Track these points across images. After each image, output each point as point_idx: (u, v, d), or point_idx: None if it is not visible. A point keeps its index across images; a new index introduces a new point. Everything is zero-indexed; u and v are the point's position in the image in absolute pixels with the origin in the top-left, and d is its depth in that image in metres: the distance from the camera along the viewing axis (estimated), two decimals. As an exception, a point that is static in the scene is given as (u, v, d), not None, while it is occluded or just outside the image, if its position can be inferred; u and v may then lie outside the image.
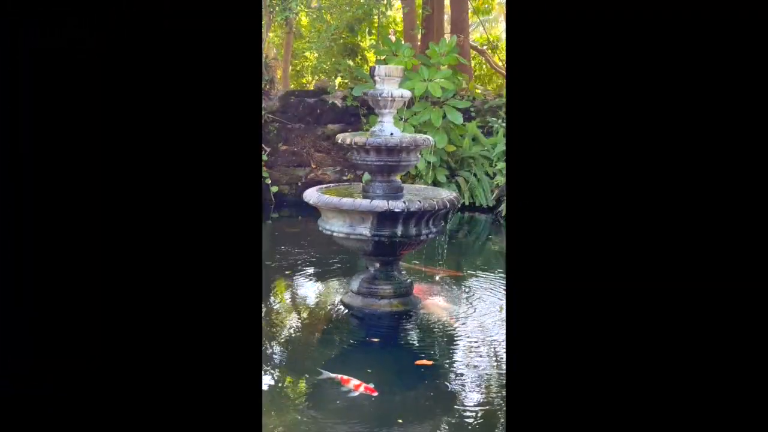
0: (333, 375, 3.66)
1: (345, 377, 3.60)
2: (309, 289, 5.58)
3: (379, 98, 4.57)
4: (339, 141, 4.70)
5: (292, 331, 4.72)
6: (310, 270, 6.02)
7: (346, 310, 4.82)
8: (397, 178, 4.80)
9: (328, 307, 5.08)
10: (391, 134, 4.57)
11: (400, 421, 3.37)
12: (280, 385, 3.87)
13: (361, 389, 3.47)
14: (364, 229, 4.45)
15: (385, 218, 4.38)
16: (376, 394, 3.44)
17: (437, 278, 5.76)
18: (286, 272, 5.95)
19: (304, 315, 5.03)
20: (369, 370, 3.92)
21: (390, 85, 4.59)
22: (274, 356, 4.19)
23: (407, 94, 4.68)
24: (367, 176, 5.17)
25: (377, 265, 4.75)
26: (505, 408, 3.62)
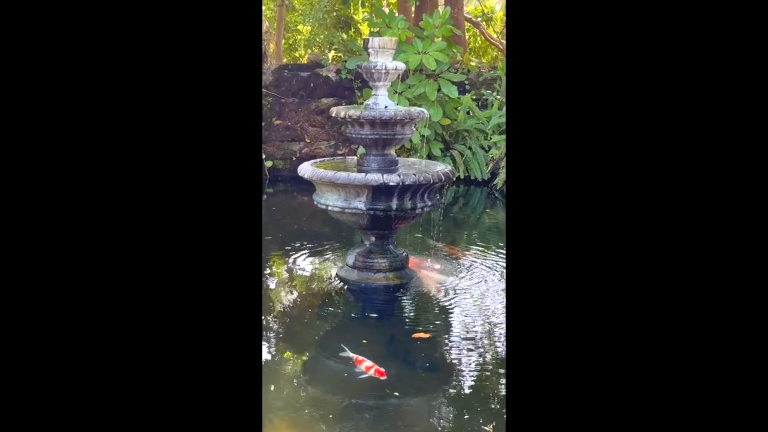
0: (351, 354, 3.65)
1: (360, 358, 3.60)
2: (305, 264, 5.58)
3: (373, 71, 4.52)
4: (333, 114, 4.66)
5: (288, 305, 4.72)
6: (306, 244, 6.01)
7: (342, 284, 4.82)
8: (392, 151, 4.77)
9: (324, 281, 5.08)
10: (386, 107, 4.53)
11: (397, 394, 3.39)
12: (277, 359, 3.88)
13: (372, 372, 3.47)
14: (359, 203, 4.43)
15: (380, 192, 4.36)
16: (384, 378, 3.44)
17: (457, 256, 5.74)
18: (283, 247, 5.94)
19: (300, 289, 5.03)
20: (364, 341, 3.93)
21: (384, 58, 4.54)
22: (271, 330, 4.20)
23: (401, 66, 4.63)
24: (361, 150, 5.15)
25: (373, 238, 4.75)
26: (502, 380, 3.65)
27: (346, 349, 3.72)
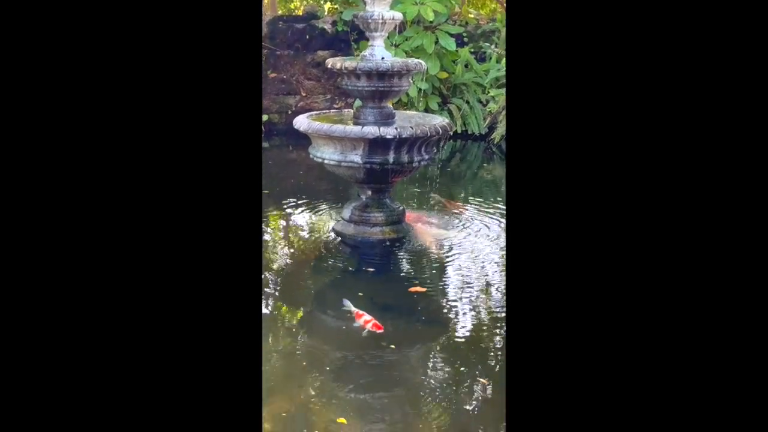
0: (352, 308, 3.65)
1: (360, 312, 3.60)
2: (301, 218, 5.56)
3: (370, 20, 4.43)
4: (329, 66, 4.59)
5: (284, 259, 4.72)
6: (302, 198, 5.99)
7: (338, 238, 4.81)
8: (389, 104, 4.71)
9: (321, 236, 5.07)
10: (383, 58, 4.45)
11: (393, 347, 3.40)
12: (274, 313, 3.89)
13: (369, 326, 3.47)
14: (356, 157, 4.39)
15: (377, 145, 4.31)
16: (381, 331, 3.45)
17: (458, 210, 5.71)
18: (279, 201, 5.91)
19: (297, 243, 5.02)
20: (360, 294, 3.94)
21: (381, 7, 4.44)
22: (268, 285, 4.20)
23: (398, 16, 4.54)
24: (358, 103, 5.08)
25: (369, 192, 4.72)
26: (498, 333, 3.67)
27: (348, 303, 3.71)
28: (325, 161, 4.53)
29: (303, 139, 4.96)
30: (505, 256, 4.67)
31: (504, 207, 5.74)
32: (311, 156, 4.65)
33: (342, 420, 2.83)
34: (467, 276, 4.42)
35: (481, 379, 3.18)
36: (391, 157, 4.38)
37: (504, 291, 4.17)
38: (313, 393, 3.08)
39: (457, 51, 9.04)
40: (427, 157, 4.56)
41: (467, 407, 3.03)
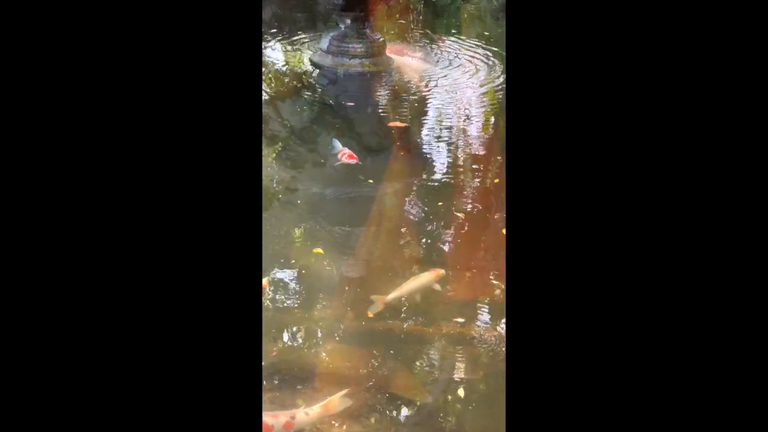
0: (340, 148, 3.55)
1: (343, 149, 3.51)
2: (275, 48, 5.32)
3: None
4: None
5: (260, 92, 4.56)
6: (276, 27, 5.70)
7: (316, 70, 4.62)
8: None
9: (297, 68, 4.87)
10: None
11: (371, 181, 3.37)
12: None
13: (345, 158, 3.40)
14: (334, -20, 4.11)
15: (357, -32, 4.03)
16: (354, 161, 3.38)
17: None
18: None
19: (271, 76, 4.83)
20: (337, 126, 3.85)
21: None
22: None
23: None
24: None
25: (348, 21, 4.48)
26: (476, 168, 3.64)
27: (337, 143, 3.59)
28: (301, -15, 4.25)
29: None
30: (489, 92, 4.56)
31: (487, 44, 5.54)
32: (286, -21, 4.35)
33: (318, 250, 2.84)
34: (446, 111, 4.32)
35: (458, 213, 3.18)
36: (371, -18, 4.11)
37: (482, 125, 4.11)
38: (289, 225, 3.07)
39: None
40: (410, -17, 4.29)
41: (440, 244, 3.05)
